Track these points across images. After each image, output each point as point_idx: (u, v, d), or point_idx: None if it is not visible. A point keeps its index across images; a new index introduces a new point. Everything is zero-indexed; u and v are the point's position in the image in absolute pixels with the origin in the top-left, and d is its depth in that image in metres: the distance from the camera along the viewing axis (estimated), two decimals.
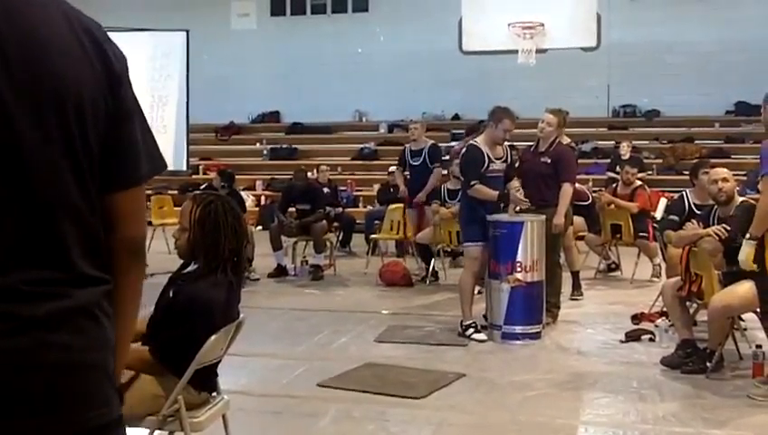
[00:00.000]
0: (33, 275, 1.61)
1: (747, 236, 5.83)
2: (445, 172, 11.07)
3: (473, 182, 7.73)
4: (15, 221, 1.61)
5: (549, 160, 8.22)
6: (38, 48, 1.65)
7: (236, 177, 12.85)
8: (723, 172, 6.87)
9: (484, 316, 8.04)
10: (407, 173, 11.13)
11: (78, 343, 1.65)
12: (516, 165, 8.27)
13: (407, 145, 11.29)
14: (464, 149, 7.89)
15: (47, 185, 1.64)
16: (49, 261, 1.64)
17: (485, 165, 7.76)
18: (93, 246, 1.72)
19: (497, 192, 7.72)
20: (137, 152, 1.81)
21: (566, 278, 9.01)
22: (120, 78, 1.79)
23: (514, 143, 10.32)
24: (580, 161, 9.99)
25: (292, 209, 11.58)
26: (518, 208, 7.84)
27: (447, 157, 11.70)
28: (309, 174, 13.29)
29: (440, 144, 12.73)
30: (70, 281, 1.66)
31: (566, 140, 9.39)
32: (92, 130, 1.71)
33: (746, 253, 5.86)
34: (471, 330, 7.79)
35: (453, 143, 14.03)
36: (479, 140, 7.94)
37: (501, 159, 7.87)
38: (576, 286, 9.54)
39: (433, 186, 10.77)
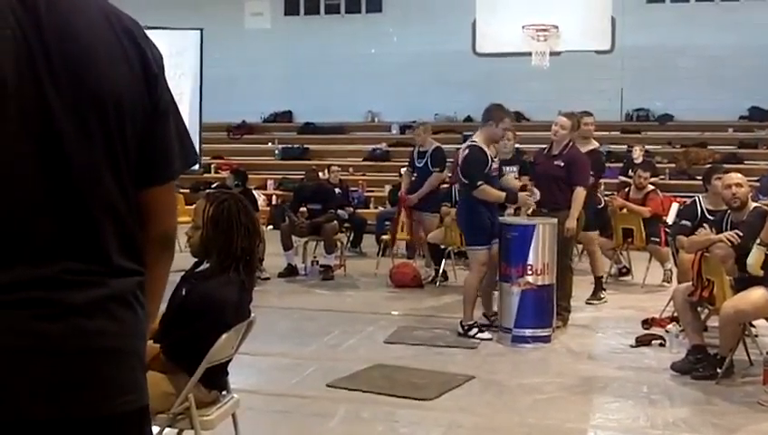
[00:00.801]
0: (73, 267, 1.66)
1: (758, 241, 5.83)
2: (451, 175, 11.05)
3: (479, 183, 7.67)
4: (57, 216, 1.66)
5: (562, 164, 8.19)
6: (80, 48, 1.68)
7: (248, 176, 12.84)
8: (737, 177, 6.84)
9: (485, 315, 8.13)
10: (415, 175, 11.11)
11: (113, 330, 1.70)
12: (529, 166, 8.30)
13: (415, 146, 11.27)
14: (466, 151, 7.82)
15: (87, 182, 1.68)
16: (88, 254, 1.69)
17: (488, 165, 7.76)
18: (129, 241, 1.77)
19: (504, 193, 7.75)
20: (171, 149, 1.86)
21: (580, 282, 9.00)
22: (158, 78, 1.83)
23: (521, 146, 10.34)
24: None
25: (303, 209, 11.58)
26: (530, 211, 7.86)
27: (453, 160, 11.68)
28: (320, 174, 13.30)
29: (451, 146, 12.73)
30: (107, 273, 1.71)
31: (594, 145, 9.35)
32: (130, 129, 1.75)
33: (755, 258, 5.87)
34: (475, 330, 7.81)
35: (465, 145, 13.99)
36: (478, 141, 7.84)
37: (495, 157, 7.94)
38: (595, 291, 9.52)
39: (429, 189, 10.69)
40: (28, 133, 1.62)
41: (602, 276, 9.73)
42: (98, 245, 1.70)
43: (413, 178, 10.98)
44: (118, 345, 1.71)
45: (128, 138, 1.75)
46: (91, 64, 1.68)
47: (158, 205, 1.86)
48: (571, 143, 8.37)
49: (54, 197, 1.65)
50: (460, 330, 7.88)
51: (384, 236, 12.07)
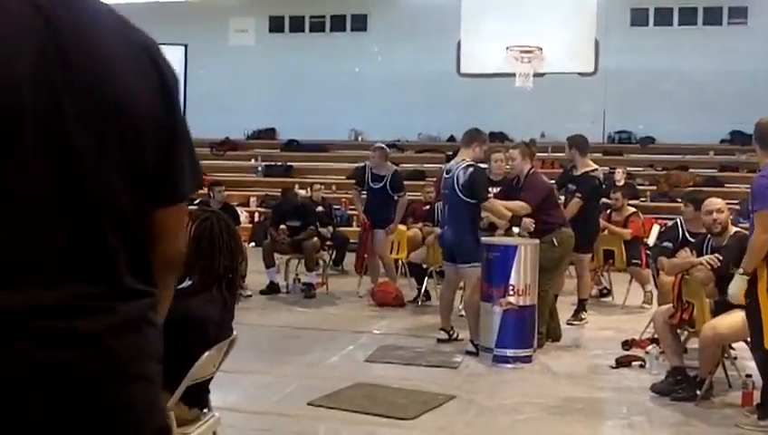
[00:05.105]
0: (84, 290, 1.63)
1: (740, 271, 5.82)
2: (435, 194, 11.15)
3: (490, 196, 8.12)
4: (69, 235, 1.63)
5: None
6: (99, 64, 1.67)
7: (230, 193, 12.78)
8: (718, 203, 6.89)
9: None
10: (364, 194, 11.28)
11: (126, 355, 1.67)
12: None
13: (367, 164, 11.34)
14: (470, 170, 7.96)
15: (102, 200, 1.66)
16: (99, 275, 1.66)
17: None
18: (140, 261, 1.74)
19: (509, 212, 8.16)
20: (183, 170, 1.85)
21: (560, 302, 9.03)
22: (175, 97, 1.82)
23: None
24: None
25: (283, 227, 11.53)
26: (525, 233, 8.08)
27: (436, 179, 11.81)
28: (303, 191, 13.32)
29: (434, 165, 12.76)
30: (117, 295, 1.68)
31: (591, 166, 9.34)
32: (147, 147, 1.73)
33: (738, 287, 5.85)
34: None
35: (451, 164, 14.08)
36: (471, 161, 8.16)
37: None
38: (577, 312, 9.56)
39: (401, 216, 11.11)
40: (43, 148, 1.59)
41: (587, 299, 9.76)
42: (110, 266, 1.67)
43: (364, 197, 11.24)
44: (131, 371, 1.69)
45: (145, 156, 1.72)
46: (109, 80, 1.67)
47: (168, 225, 1.84)
48: (531, 171, 8.60)
49: (68, 214, 1.62)
50: (471, 349, 7.92)
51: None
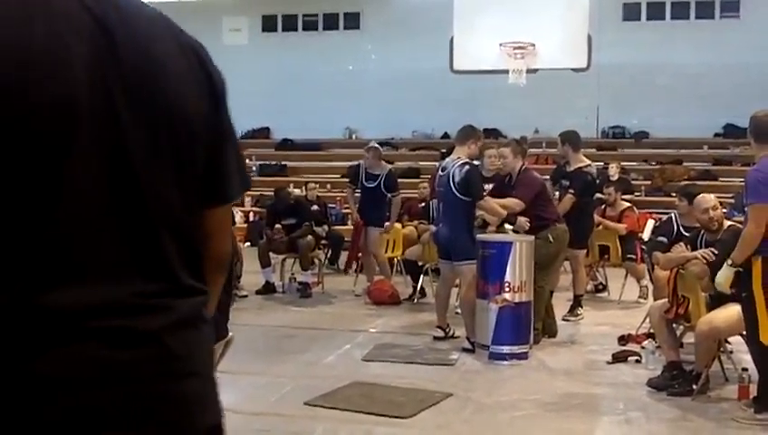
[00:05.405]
0: (141, 288, 1.64)
1: (729, 262, 5.87)
2: (431, 191, 11.19)
3: (485, 194, 8.12)
4: (124, 233, 1.64)
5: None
6: (152, 63, 1.69)
7: None
8: (711, 200, 6.89)
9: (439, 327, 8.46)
10: (357, 192, 11.36)
11: (183, 353, 1.68)
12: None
13: (361, 163, 11.38)
14: (466, 168, 7.96)
15: (155, 198, 1.67)
16: (155, 273, 1.67)
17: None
18: (193, 258, 1.76)
19: (504, 210, 8.14)
20: (232, 171, 1.87)
21: (556, 298, 9.03)
22: (223, 99, 1.85)
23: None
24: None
25: (278, 226, 11.52)
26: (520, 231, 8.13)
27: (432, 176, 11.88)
28: (298, 190, 13.32)
29: (429, 163, 12.79)
30: (174, 292, 1.69)
31: (584, 162, 9.35)
32: (196, 146, 1.75)
33: (725, 277, 5.92)
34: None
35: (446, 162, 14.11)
36: (466, 159, 8.15)
37: None
38: (573, 307, 9.57)
39: (397, 214, 11.29)
40: (99, 148, 1.60)
41: (582, 294, 9.77)
42: (166, 263, 1.69)
43: (357, 195, 11.36)
44: (189, 369, 1.70)
45: (194, 156, 1.75)
46: (161, 79, 1.69)
47: (217, 226, 1.87)
48: (523, 168, 8.60)
49: (123, 212, 1.63)
50: (467, 346, 7.93)
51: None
